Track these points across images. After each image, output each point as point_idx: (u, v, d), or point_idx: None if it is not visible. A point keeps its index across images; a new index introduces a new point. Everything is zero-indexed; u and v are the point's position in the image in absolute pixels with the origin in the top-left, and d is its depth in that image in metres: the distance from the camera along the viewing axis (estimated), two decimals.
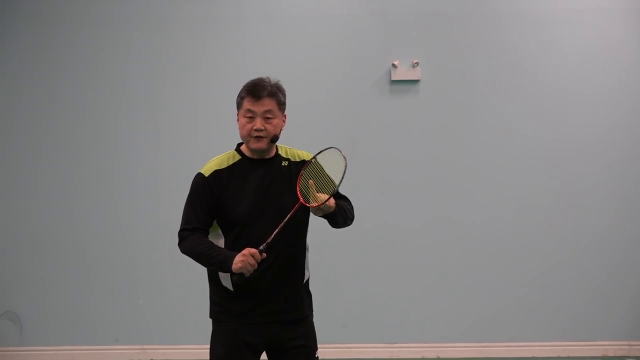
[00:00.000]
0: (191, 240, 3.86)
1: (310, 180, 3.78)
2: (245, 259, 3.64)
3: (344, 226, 4.05)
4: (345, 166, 3.83)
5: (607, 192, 7.28)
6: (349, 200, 4.13)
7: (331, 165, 3.90)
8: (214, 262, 3.77)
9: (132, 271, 7.26)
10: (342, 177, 3.83)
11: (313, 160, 3.94)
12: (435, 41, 7.29)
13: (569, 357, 7.21)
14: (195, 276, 7.27)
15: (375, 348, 7.23)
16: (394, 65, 7.20)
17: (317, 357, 4.03)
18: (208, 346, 4.01)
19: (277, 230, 3.73)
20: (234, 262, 3.66)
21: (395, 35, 7.29)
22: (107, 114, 7.30)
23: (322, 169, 3.90)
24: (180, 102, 7.31)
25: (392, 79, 7.23)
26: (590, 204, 7.27)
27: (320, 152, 3.96)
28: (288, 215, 3.75)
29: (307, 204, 3.77)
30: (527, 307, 7.25)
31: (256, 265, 3.66)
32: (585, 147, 7.27)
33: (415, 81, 7.25)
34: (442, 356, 7.23)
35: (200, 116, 7.29)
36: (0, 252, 7.26)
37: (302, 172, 3.89)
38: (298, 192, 3.83)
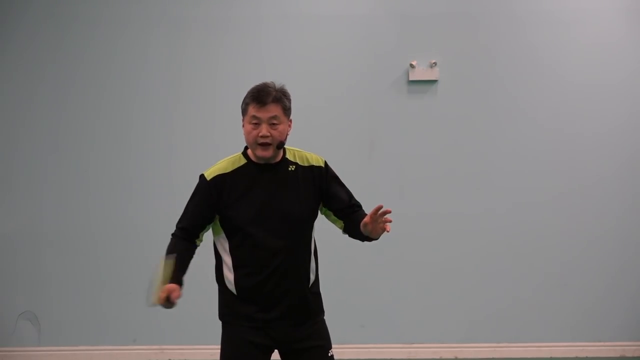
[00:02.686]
0: (172, 242, 4.00)
1: None
2: (162, 294, 3.70)
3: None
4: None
5: (629, 186, 7.29)
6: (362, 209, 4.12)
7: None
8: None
9: (150, 271, 7.26)
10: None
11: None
12: (453, 41, 7.27)
13: (586, 358, 7.19)
14: (211, 277, 7.32)
15: (393, 348, 7.23)
16: (411, 66, 7.19)
17: (332, 355, 3.98)
18: (220, 347, 4.02)
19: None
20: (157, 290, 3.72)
21: (413, 35, 7.27)
22: (123, 115, 7.32)
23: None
24: (196, 103, 7.32)
25: (410, 79, 7.21)
26: (612, 198, 7.27)
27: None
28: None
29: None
30: (545, 308, 7.23)
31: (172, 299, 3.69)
32: (607, 142, 7.29)
33: (434, 81, 7.23)
34: (460, 356, 7.21)
35: (217, 116, 7.30)
36: (18, 252, 7.29)
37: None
38: None
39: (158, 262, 3.81)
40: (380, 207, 3.68)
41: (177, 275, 3.80)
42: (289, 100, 3.91)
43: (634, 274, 7.26)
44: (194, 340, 7.22)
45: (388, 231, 3.74)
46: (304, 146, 4.13)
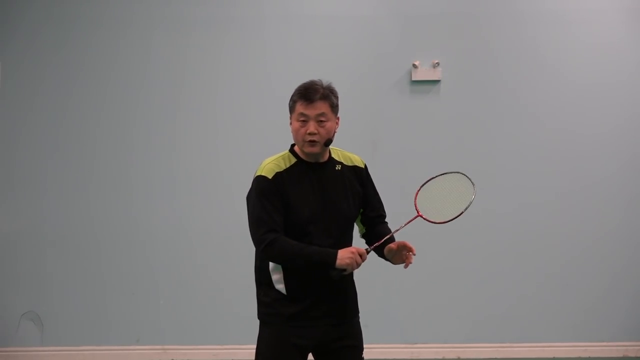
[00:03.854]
0: (281, 242, 3.78)
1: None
2: (354, 256, 3.71)
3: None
4: (470, 202, 3.93)
5: (630, 186, 7.30)
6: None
7: (456, 193, 4.01)
8: (316, 260, 3.75)
9: (153, 271, 7.27)
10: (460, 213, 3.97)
11: (443, 176, 4.04)
12: (455, 41, 7.28)
13: (589, 358, 7.19)
14: (215, 276, 7.34)
15: (395, 348, 7.22)
16: (414, 66, 7.19)
17: (364, 358, 4.05)
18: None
19: (387, 237, 3.86)
20: (341, 257, 3.70)
21: (416, 35, 7.28)
22: (125, 115, 7.32)
23: (444, 192, 4.02)
24: (199, 103, 7.32)
25: (413, 79, 7.22)
26: (614, 198, 7.29)
27: (453, 173, 4.05)
28: (403, 224, 3.88)
29: (429, 220, 3.97)
30: (548, 308, 7.23)
31: (361, 264, 3.74)
32: (609, 142, 7.30)
33: (436, 81, 7.24)
34: (462, 357, 7.21)
35: (219, 117, 7.30)
36: (20, 252, 7.29)
37: (426, 184, 4.01)
38: (416, 204, 3.97)
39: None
40: (410, 248, 3.90)
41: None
42: (337, 97, 3.93)
43: (636, 274, 7.26)
44: (197, 340, 7.21)
45: (405, 267, 3.91)
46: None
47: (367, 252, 3.73)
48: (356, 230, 4.15)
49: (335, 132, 3.93)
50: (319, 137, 3.83)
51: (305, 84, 3.90)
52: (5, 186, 7.31)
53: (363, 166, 4.10)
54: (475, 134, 7.27)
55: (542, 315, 7.23)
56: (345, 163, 4.03)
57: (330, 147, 4.00)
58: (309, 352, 3.97)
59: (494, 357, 7.20)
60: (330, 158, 4.00)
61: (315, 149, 3.85)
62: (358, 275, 7.07)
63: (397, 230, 3.84)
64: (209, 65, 7.32)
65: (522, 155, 7.26)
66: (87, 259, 7.28)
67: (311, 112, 3.81)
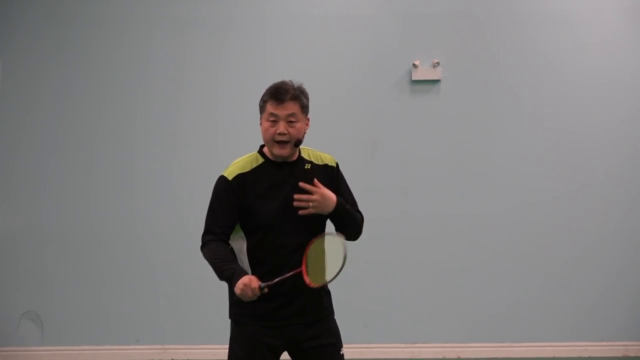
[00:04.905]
0: (210, 247, 3.85)
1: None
2: (245, 289, 3.61)
3: (354, 233, 4.04)
4: (343, 265, 3.70)
5: (631, 185, 7.31)
6: (362, 215, 4.11)
7: (332, 254, 3.80)
8: (222, 277, 3.76)
9: (153, 271, 7.28)
10: (335, 276, 3.73)
11: (325, 237, 3.86)
12: (456, 41, 7.28)
13: (589, 357, 7.18)
14: (215, 276, 7.32)
15: (395, 348, 7.23)
16: (414, 65, 7.20)
17: (343, 354, 4.00)
18: (228, 346, 4.01)
19: (280, 278, 3.69)
20: (237, 285, 3.63)
21: (416, 35, 7.28)
22: (125, 114, 7.33)
23: (322, 251, 3.83)
24: (199, 103, 7.32)
25: (413, 78, 7.22)
26: (614, 198, 7.29)
27: (331, 234, 3.85)
28: (291, 273, 3.72)
29: (308, 281, 3.72)
30: (548, 308, 7.23)
31: (255, 298, 3.63)
32: (610, 141, 7.30)
33: (436, 81, 7.24)
34: (462, 356, 7.21)
35: (220, 117, 7.31)
36: (20, 252, 7.29)
37: (311, 245, 3.82)
38: (304, 265, 3.77)
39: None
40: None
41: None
42: (307, 98, 3.92)
43: (636, 273, 7.26)
44: (197, 340, 7.23)
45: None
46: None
47: (261, 289, 3.62)
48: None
49: (305, 132, 3.91)
50: (289, 137, 3.82)
51: (275, 84, 3.90)
52: (5, 186, 7.32)
53: (334, 164, 4.06)
54: (475, 133, 7.27)
55: (542, 314, 7.23)
56: (315, 162, 4.00)
57: (301, 146, 3.98)
58: (282, 351, 3.96)
59: (494, 356, 7.20)
60: (300, 157, 3.98)
61: (285, 151, 3.86)
62: (358, 276, 7.11)
63: (287, 276, 3.74)
64: (209, 65, 7.33)
65: (522, 154, 7.26)
66: (87, 258, 7.28)
67: (281, 112, 3.82)
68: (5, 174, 7.32)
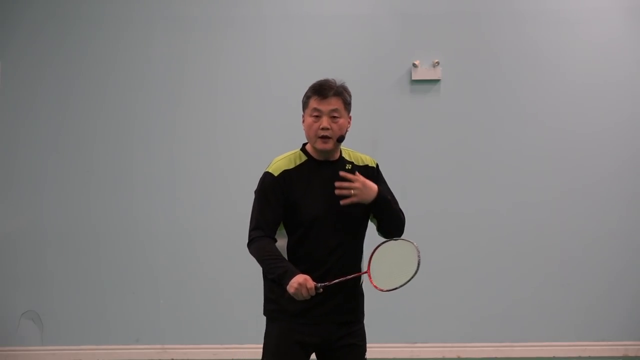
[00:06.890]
0: (259, 244, 3.83)
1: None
2: (300, 288, 3.60)
3: (396, 226, 4.05)
4: (416, 271, 3.80)
5: (630, 185, 7.31)
6: (403, 213, 4.14)
7: (402, 259, 3.86)
8: (273, 275, 3.75)
9: (153, 271, 7.27)
10: (406, 282, 3.81)
11: (394, 241, 3.91)
12: (456, 41, 7.29)
13: (589, 357, 7.19)
14: (215, 276, 7.34)
15: (395, 348, 7.22)
16: (414, 65, 7.20)
17: (366, 359, 4.05)
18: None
19: (340, 280, 3.74)
20: (290, 283, 3.62)
21: (416, 34, 7.29)
22: (125, 114, 7.33)
23: (389, 256, 3.89)
24: (199, 102, 7.33)
25: (413, 78, 7.23)
26: (614, 197, 7.30)
27: (403, 239, 3.91)
28: (351, 276, 3.80)
29: (375, 285, 3.80)
30: (548, 307, 7.23)
31: (309, 297, 3.64)
32: (610, 141, 7.31)
33: (436, 81, 7.25)
34: (462, 356, 7.21)
35: (219, 116, 7.31)
36: (20, 252, 7.29)
37: (379, 249, 3.88)
38: (368, 269, 3.84)
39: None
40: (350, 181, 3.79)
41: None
42: (350, 95, 3.96)
43: (636, 273, 7.26)
44: (197, 340, 7.21)
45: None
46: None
47: (316, 289, 3.63)
48: (374, 227, 4.10)
49: (347, 129, 3.93)
50: (332, 133, 3.84)
51: (319, 81, 3.95)
52: (5, 185, 7.32)
53: (375, 165, 4.09)
54: (475, 133, 7.28)
55: (542, 314, 7.23)
56: (356, 163, 4.02)
57: (342, 147, 4.01)
58: (313, 351, 3.97)
59: (494, 356, 7.20)
60: (341, 157, 4.00)
61: (328, 146, 3.87)
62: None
63: (348, 278, 3.79)
64: (209, 65, 7.33)
65: (522, 154, 7.26)
66: (87, 258, 7.28)
67: (325, 107, 3.85)
68: (5, 174, 7.32)
